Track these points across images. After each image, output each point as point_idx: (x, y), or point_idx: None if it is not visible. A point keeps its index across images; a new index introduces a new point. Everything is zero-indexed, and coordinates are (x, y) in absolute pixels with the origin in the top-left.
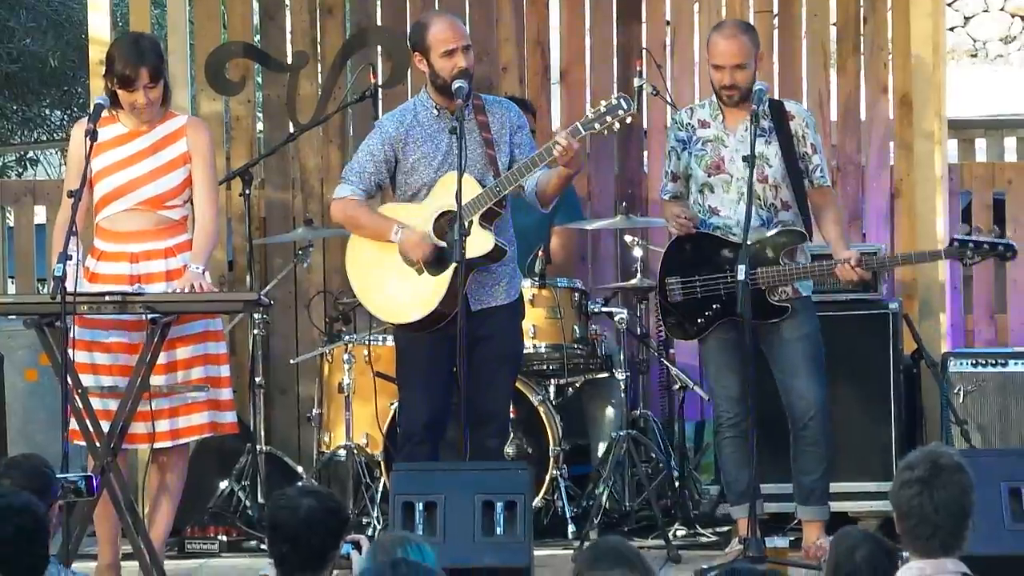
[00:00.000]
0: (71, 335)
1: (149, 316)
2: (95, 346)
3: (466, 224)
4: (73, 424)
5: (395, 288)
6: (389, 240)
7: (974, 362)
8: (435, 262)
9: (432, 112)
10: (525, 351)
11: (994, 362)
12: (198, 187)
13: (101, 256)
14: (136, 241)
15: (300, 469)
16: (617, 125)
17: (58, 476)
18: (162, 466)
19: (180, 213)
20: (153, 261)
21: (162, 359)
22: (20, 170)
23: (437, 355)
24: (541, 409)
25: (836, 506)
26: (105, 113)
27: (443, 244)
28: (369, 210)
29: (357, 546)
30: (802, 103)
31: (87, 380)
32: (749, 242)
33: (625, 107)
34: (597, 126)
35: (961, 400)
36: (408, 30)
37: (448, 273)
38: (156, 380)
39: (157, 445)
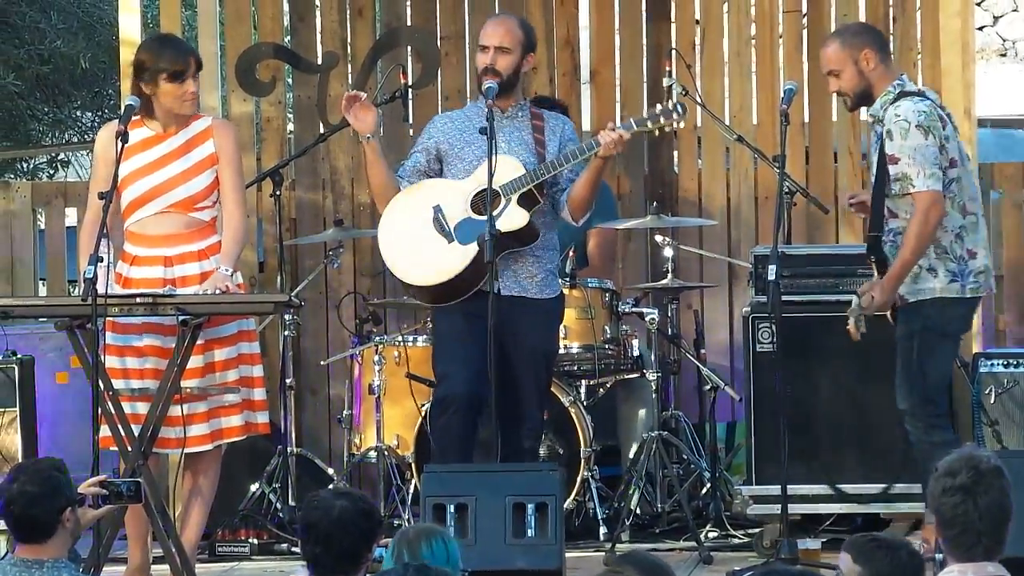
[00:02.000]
0: (102, 339)
1: (180, 318)
2: (127, 351)
3: (504, 202)
4: (104, 430)
5: (421, 251)
6: (362, 140)
7: (1005, 362)
8: (465, 234)
9: (481, 110)
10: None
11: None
12: (226, 188)
13: (134, 261)
14: (169, 245)
15: (331, 471)
16: (666, 129)
17: (109, 480)
18: (195, 470)
19: (210, 215)
20: (188, 264)
21: (198, 361)
22: (51, 172)
23: (473, 331)
24: (572, 410)
25: (867, 508)
26: (134, 116)
27: (479, 218)
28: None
29: None
30: (832, 102)
31: (118, 384)
32: None
33: (680, 113)
34: (650, 124)
35: (993, 400)
36: (440, 32)
37: (475, 243)
38: (192, 383)
39: (194, 449)
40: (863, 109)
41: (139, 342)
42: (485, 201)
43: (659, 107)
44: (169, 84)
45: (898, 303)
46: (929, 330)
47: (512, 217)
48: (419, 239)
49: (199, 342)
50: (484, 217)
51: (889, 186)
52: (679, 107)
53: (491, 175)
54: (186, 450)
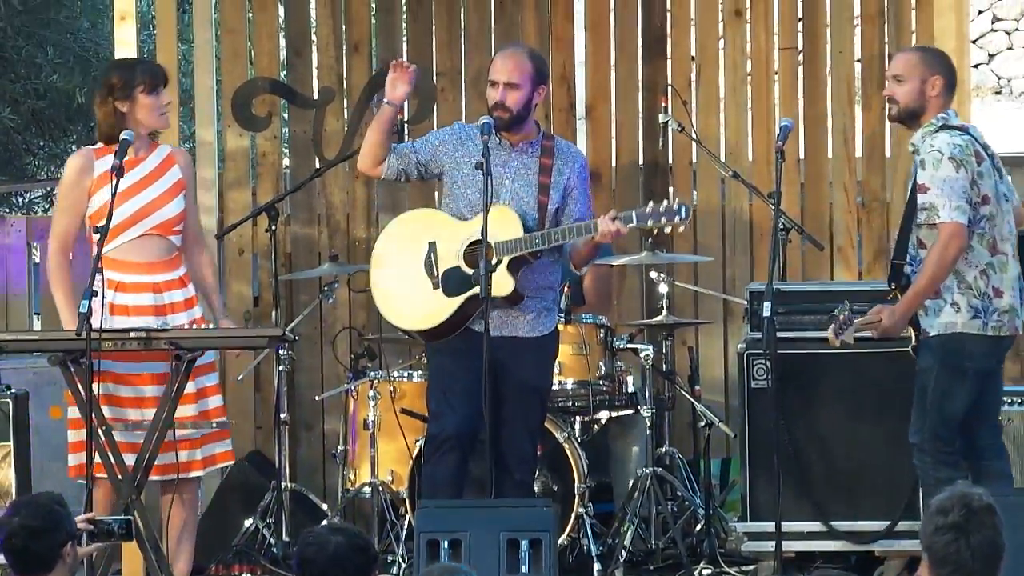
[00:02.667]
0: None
1: (174, 352)
2: (120, 379)
3: (493, 262)
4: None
5: (407, 292)
6: (386, 105)
7: (1008, 401)
8: (452, 283)
9: (493, 138)
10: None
11: (1020, 400)
12: (194, 219)
13: (119, 287)
14: (157, 272)
15: (325, 506)
16: (667, 229)
17: (99, 519)
18: (185, 505)
19: (180, 240)
20: (174, 291)
21: (187, 388)
22: (47, 206)
23: (467, 368)
24: (566, 446)
25: (862, 546)
26: (99, 145)
27: (468, 271)
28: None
29: None
30: (828, 139)
31: (108, 412)
32: None
33: (684, 215)
34: (650, 223)
35: None
36: (436, 67)
37: (459, 299)
38: (186, 411)
39: (157, 478)
40: (858, 145)
41: (137, 371)
42: (477, 255)
43: (664, 205)
44: (147, 97)
45: (921, 336)
46: (947, 365)
47: (500, 282)
48: (408, 277)
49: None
50: (472, 271)
51: (918, 215)
52: (684, 208)
53: (486, 209)
54: (180, 475)
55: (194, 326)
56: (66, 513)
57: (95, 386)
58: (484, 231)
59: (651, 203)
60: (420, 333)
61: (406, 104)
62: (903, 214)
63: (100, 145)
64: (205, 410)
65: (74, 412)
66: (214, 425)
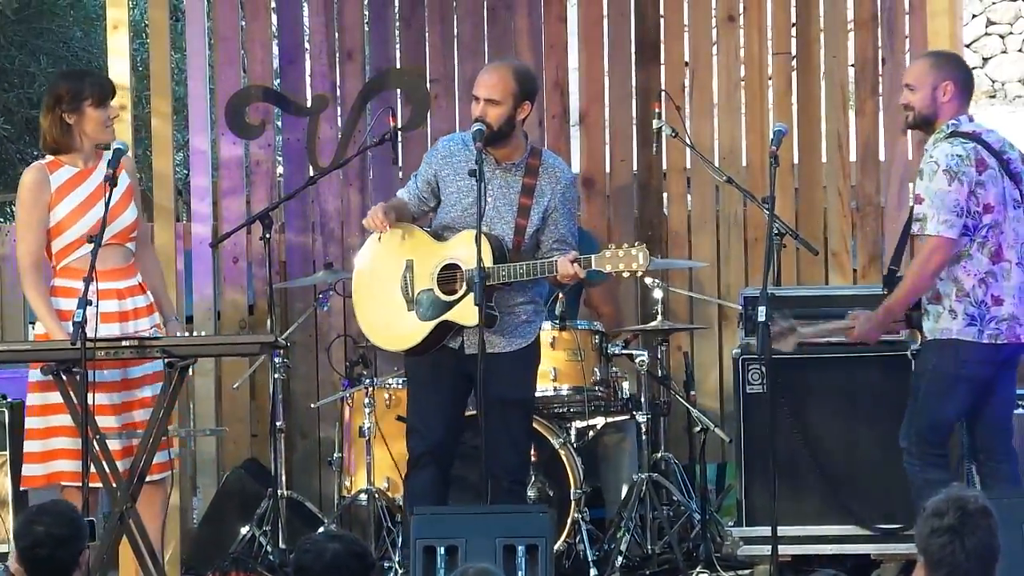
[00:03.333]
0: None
1: (166, 360)
2: (117, 385)
3: (463, 290)
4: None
5: (383, 312)
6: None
7: None
8: (426, 306)
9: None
10: (546, 393)
11: (1017, 404)
12: (142, 224)
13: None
14: (117, 279)
15: (321, 514)
16: (626, 274)
17: None
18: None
19: (134, 247)
20: (137, 297)
21: (145, 393)
22: None
23: (443, 383)
24: (562, 452)
25: (858, 548)
26: (50, 158)
27: (440, 295)
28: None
29: None
30: (822, 144)
31: (107, 422)
32: None
33: (641, 262)
34: (608, 268)
35: None
36: (429, 74)
37: (431, 324)
38: (108, 422)
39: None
40: (852, 150)
41: (118, 398)
42: (450, 282)
43: (622, 252)
44: (95, 110)
45: (921, 341)
46: (940, 370)
47: (467, 313)
48: (385, 297)
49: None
50: (447, 298)
51: (913, 225)
52: (641, 254)
53: (480, 216)
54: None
55: (155, 331)
56: (83, 520)
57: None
58: (478, 237)
59: (610, 248)
60: (421, 357)
61: (399, 111)
62: (906, 220)
63: (50, 158)
64: (131, 422)
65: (32, 423)
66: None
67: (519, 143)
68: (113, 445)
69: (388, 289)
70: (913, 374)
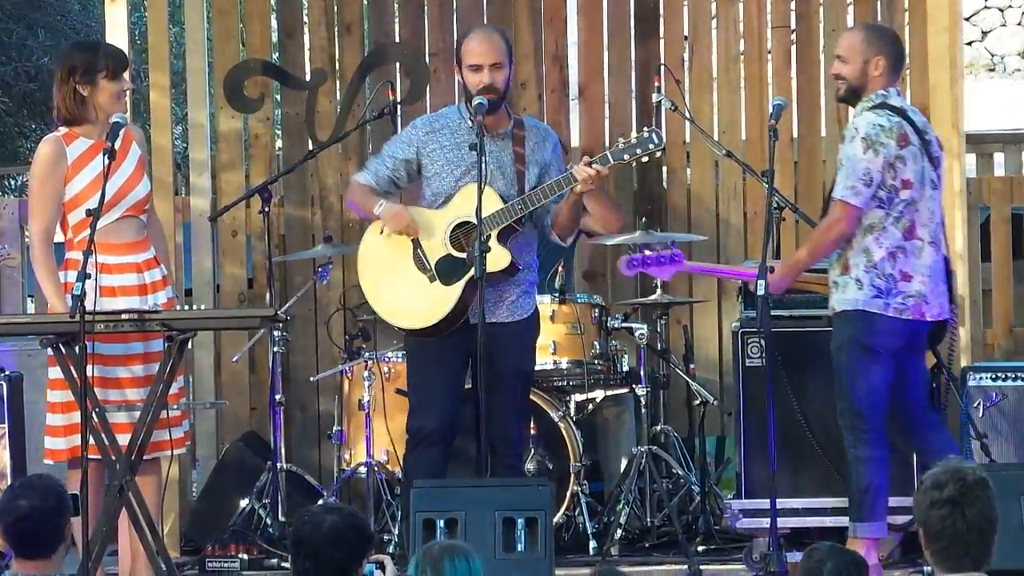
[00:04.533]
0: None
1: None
2: (117, 360)
3: (483, 238)
4: (61, 443)
5: (405, 293)
6: (373, 214)
7: (993, 376)
8: (448, 271)
9: (465, 122)
10: (545, 367)
11: (1013, 376)
12: (151, 193)
13: (104, 268)
14: (136, 252)
15: (320, 487)
16: (645, 159)
17: None
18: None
19: (146, 219)
20: (154, 270)
21: (124, 373)
22: None
23: (445, 361)
24: (561, 425)
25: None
26: (65, 130)
27: (459, 255)
28: (364, 189)
29: (381, 566)
30: (821, 117)
31: (111, 395)
32: None
33: (656, 142)
34: (626, 157)
35: (980, 414)
36: (428, 48)
37: (460, 284)
38: (111, 395)
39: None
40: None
41: (122, 372)
42: (466, 236)
43: (634, 137)
44: (109, 82)
45: (830, 312)
46: (853, 342)
47: (496, 257)
48: (401, 279)
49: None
50: (463, 254)
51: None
52: (654, 134)
53: (480, 192)
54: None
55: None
56: (67, 494)
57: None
58: (479, 209)
59: (620, 139)
60: (423, 330)
61: (399, 85)
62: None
63: (65, 130)
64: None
65: (55, 396)
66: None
67: (504, 113)
68: (122, 418)
69: (403, 272)
70: (833, 350)
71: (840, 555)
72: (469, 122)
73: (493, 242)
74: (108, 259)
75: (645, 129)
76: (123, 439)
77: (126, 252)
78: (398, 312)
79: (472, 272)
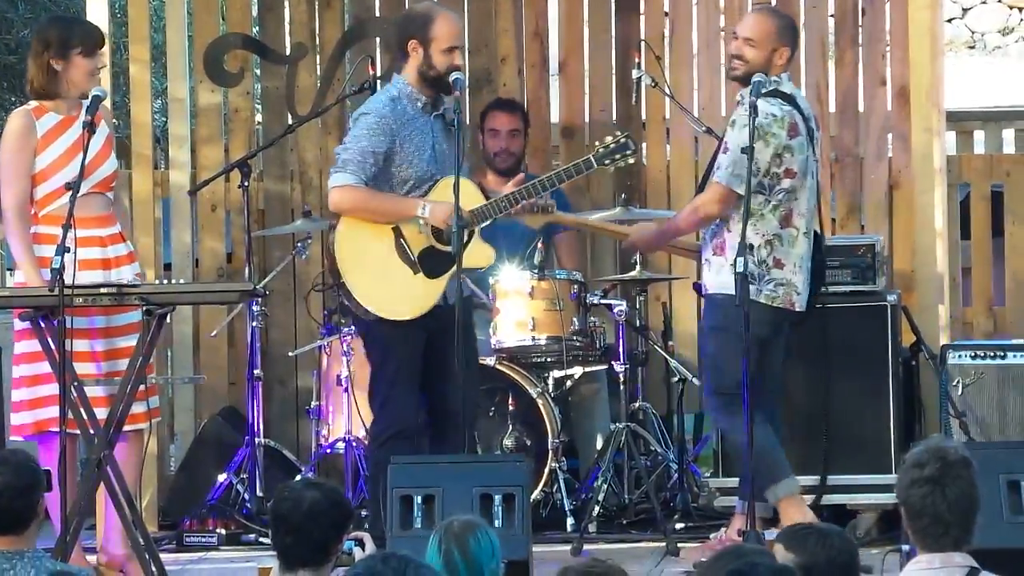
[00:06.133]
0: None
1: (144, 308)
2: (99, 332)
3: (467, 232)
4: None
5: (390, 284)
6: (417, 215)
7: (973, 354)
8: (432, 264)
9: (418, 104)
10: (524, 343)
11: (993, 354)
12: (118, 171)
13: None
14: (101, 226)
15: (299, 462)
16: (622, 164)
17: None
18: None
19: (113, 195)
20: (118, 245)
21: (128, 343)
22: None
23: (416, 351)
24: (540, 402)
25: (834, 499)
26: (34, 104)
27: (441, 247)
28: (381, 193)
29: (360, 543)
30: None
31: (87, 368)
32: None
33: (631, 148)
34: (607, 162)
35: (960, 392)
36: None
37: (444, 278)
38: (90, 368)
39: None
40: (832, 101)
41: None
42: (448, 231)
43: (610, 142)
44: (83, 59)
45: (703, 292)
46: (723, 329)
47: (480, 254)
48: (385, 269)
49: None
50: (448, 248)
51: (713, 171)
52: (629, 140)
53: (458, 166)
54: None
55: (135, 280)
56: (40, 471)
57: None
58: (456, 187)
59: (597, 143)
60: (409, 322)
61: (379, 60)
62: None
63: (35, 104)
64: (116, 371)
65: (20, 371)
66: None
67: None
68: (97, 392)
69: (386, 262)
70: (704, 330)
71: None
72: (420, 103)
73: (477, 237)
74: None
75: (619, 134)
76: (98, 413)
77: (89, 226)
78: (382, 304)
79: (455, 267)
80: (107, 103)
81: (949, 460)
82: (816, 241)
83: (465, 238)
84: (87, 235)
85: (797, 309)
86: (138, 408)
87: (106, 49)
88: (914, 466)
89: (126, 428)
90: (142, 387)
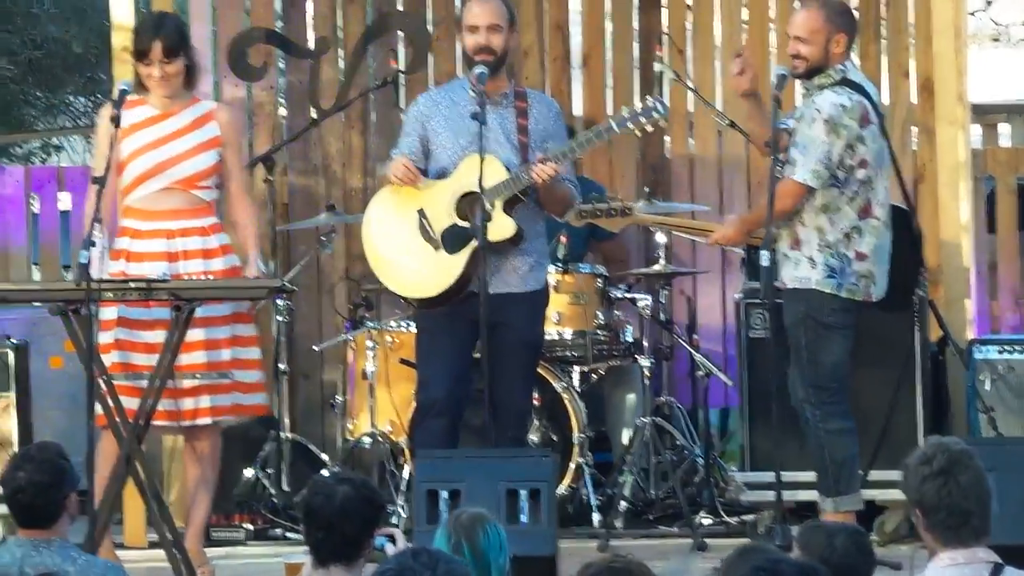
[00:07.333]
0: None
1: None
2: (131, 324)
3: (488, 208)
4: (99, 409)
5: (410, 263)
6: (383, 174)
7: (1000, 349)
8: (453, 240)
9: (467, 92)
10: (549, 337)
11: (1020, 348)
12: (233, 172)
13: (136, 235)
14: (172, 219)
15: (325, 456)
16: (650, 128)
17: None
18: (199, 456)
19: (211, 195)
20: (191, 238)
21: (195, 336)
22: (44, 156)
23: (455, 332)
24: (565, 396)
25: (862, 494)
26: (136, 96)
27: (464, 224)
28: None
29: (391, 539)
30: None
31: (116, 358)
32: None
33: (661, 111)
34: (630, 125)
35: (988, 387)
36: (432, 15)
37: (465, 253)
38: (187, 359)
39: (193, 422)
40: None
41: (148, 336)
42: (471, 206)
43: (638, 106)
44: (140, 64)
45: (779, 285)
46: (811, 317)
47: (500, 226)
48: (407, 249)
49: (198, 316)
50: (469, 224)
51: (785, 166)
52: (659, 103)
53: (482, 159)
54: (184, 423)
55: (209, 278)
56: (69, 466)
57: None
58: (480, 178)
59: (624, 108)
60: (432, 300)
61: (401, 54)
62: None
63: (135, 97)
64: (216, 361)
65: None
66: (220, 376)
67: (504, 76)
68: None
69: (409, 242)
70: (788, 326)
71: (845, 529)
72: (471, 91)
73: (498, 211)
74: (141, 225)
75: (648, 98)
76: (168, 405)
77: (160, 219)
78: (404, 282)
79: (475, 241)
80: (235, 108)
81: (954, 452)
82: (906, 219)
83: (488, 210)
84: (153, 227)
85: (874, 299)
86: (222, 401)
87: (121, 40)
88: (921, 464)
89: (202, 421)
90: (226, 380)
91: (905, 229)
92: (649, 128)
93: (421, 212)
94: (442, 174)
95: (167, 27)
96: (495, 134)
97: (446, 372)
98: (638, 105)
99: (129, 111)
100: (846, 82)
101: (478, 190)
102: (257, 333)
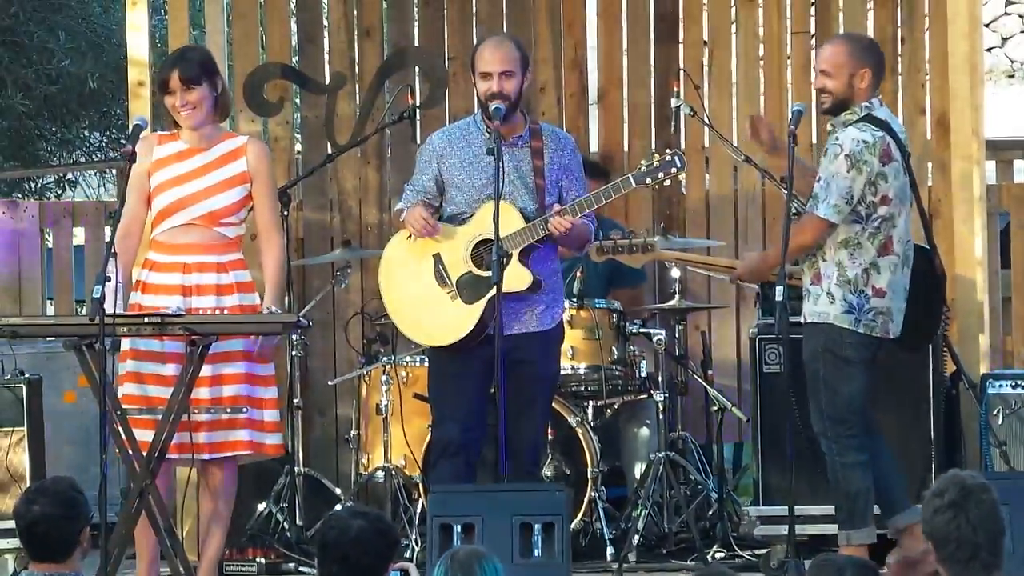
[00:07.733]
0: (120, 365)
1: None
2: (148, 378)
3: (503, 256)
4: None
5: (426, 310)
6: (398, 209)
7: (1013, 383)
8: (470, 289)
9: (482, 133)
10: (563, 372)
11: None
12: (262, 209)
13: (153, 267)
14: (190, 253)
15: (338, 491)
16: (667, 182)
17: None
18: (213, 491)
19: (235, 232)
20: (206, 274)
21: (208, 371)
22: (59, 191)
23: (469, 373)
24: (579, 430)
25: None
26: (169, 131)
27: (481, 273)
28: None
29: (405, 573)
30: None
31: (134, 390)
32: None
33: (679, 165)
34: (648, 180)
35: (1000, 422)
36: (447, 52)
37: (481, 304)
38: (200, 393)
39: (205, 456)
40: None
41: (163, 370)
42: (489, 254)
43: (656, 160)
44: (164, 97)
45: (801, 320)
46: (829, 351)
47: (517, 277)
48: (424, 296)
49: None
50: (487, 274)
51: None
52: (676, 157)
53: (498, 196)
54: (198, 456)
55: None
56: (83, 499)
57: (112, 369)
58: (496, 215)
59: (643, 162)
60: (452, 346)
61: (418, 89)
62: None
63: (166, 133)
64: (219, 397)
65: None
66: (233, 411)
67: (520, 120)
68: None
69: (425, 288)
70: (805, 360)
71: (854, 563)
72: (486, 133)
73: (514, 262)
74: (159, 258)
75: (668, 151)
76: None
77: (178, 252)
78: (419, 329)
79: (491, 292)
80: (264, 147)
81: (968, 485)
82: (928, 259)
83: (505, 262)
84: (170, 260)
85: (891, 336)
86: (235, 436)
87: (137, 76)
88: (934, 496)
89: (220, 454)
90: (241, 416)
91: (928, 268)
92: (667, 182)
93: (437, 257)
94: (457, 216)
95: (187, 57)
96: (511, 178)
97: (460, 411)
98: (655, 159)
99: (162, 146)
100: (870, 119)
101: (494, 239)
102: (274, 373)
